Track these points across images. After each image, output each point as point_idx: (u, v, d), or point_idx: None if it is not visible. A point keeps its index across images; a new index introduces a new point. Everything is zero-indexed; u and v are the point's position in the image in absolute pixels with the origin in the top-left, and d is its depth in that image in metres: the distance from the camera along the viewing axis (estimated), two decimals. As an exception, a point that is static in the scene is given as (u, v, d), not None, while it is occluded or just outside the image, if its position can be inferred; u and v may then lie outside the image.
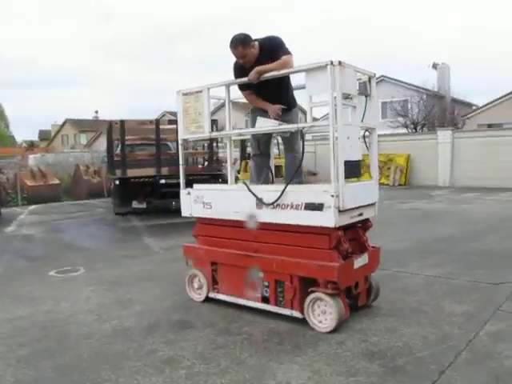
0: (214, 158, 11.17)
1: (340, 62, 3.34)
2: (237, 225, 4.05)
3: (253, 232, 3.97)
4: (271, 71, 3.80)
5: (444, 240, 7.15)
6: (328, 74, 3.31)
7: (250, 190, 3.86)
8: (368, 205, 3.90)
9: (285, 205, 3.65)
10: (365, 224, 4.04)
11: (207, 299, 4.36)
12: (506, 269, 5.33)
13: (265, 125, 3.97)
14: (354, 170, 3.62)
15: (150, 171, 9.97)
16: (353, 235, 3.89)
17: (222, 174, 11.04)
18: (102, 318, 4.08)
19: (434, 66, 31.14)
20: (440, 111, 27.00)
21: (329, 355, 3.17)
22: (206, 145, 12.01)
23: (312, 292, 3.65)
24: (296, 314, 3.74)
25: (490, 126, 27.05)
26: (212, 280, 4.34)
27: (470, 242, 6.95)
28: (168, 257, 6.62)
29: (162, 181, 9.72)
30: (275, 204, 3.70)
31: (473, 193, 14.51)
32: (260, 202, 3.79)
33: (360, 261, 3.81)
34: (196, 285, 4.48)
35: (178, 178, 4.21)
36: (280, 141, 4.65)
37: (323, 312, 3.62)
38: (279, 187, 3.73)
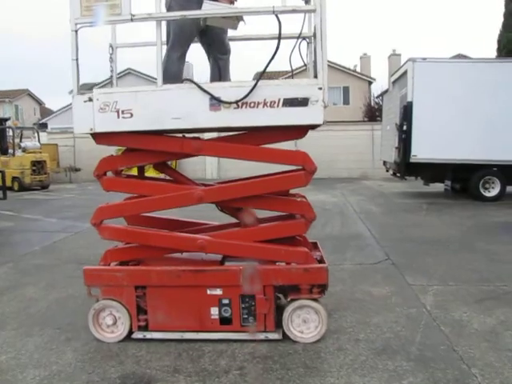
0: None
1: None
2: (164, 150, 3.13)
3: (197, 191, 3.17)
4: None
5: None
6: None
7: (202, 88, 2.92)
8: None
9: (255, 103, 2.89)
10: None
11: (126, 336, 3.19)
12: (364, 249, 6.01)
13: (217, 7, 3.06)
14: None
15: None
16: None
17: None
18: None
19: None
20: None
21: (349, 364, 2.81)
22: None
23: (293, 300, 3.14)
24: (272, 336, 3.14)
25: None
26: (137, 310, 3.20)
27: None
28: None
29: None
30: (241, 102, 2.90)
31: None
32: (218, 102, 2.91)
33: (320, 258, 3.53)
34: (109, 320, 3.20)
35: None
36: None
37: (304, 321, 3.17)
38: (240, 83, 2.97)
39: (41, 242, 6.84)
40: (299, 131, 3.09)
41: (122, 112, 2.96)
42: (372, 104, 27.56)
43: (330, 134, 17.89)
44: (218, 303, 3.14)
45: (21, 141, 16.69)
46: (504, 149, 9.88)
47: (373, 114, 26.92)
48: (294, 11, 2.88)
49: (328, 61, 2.98)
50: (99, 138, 3.11)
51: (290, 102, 2.88)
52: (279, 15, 2.84)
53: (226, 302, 3.14)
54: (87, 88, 22.55)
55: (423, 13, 73.91)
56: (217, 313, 3.15)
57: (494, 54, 17.65)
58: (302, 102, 2.87)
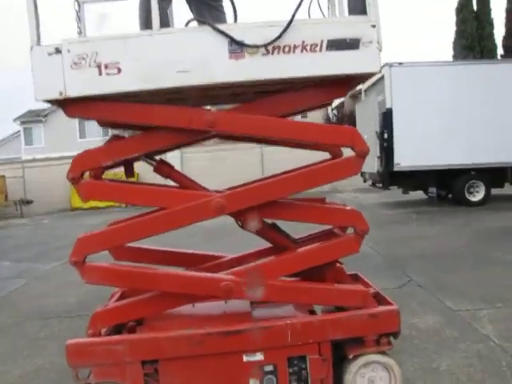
0: None
1: None
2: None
3: None
4: None
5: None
6: None
7: (217, 28, 2.13)
8: None
9: (290, 46, 2.16)
10: None
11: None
12: (378, 270, 5.34)
13: None
14: None
15: None
16: None
17: None
18: None
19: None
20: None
21: None
22: None
23: (356, 357, 2.36)
24: (334, 406, 2.35)
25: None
26: (145, 393, 2.31)
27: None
28: None
29: None
30: (272, 46, 2.13)
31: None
32: (240, 46, 2.13)
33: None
34: (106, 412, 2.29)
35: None
36: None
37: (372, 381, 2.40)
38: (268, 22, 2.17)
39: (-7, 292, 5.69)
40: (342, 86, 2.33)
41: (106, 67, 2.10)
42: (330, 116, 27.62)
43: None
44: (259, 372, 2.31)
45: (-39, 174, 15.05)
46: (486, 152, 9.68)
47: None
48: None
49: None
50: (72, 107, 2.21)
51: (337, 45, 2.16)
52: None
53: (269, 369, 2.31)
54: (35, 115, 20.97)
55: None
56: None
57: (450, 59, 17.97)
58: (352, 44, 2.17)
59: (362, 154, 2.29)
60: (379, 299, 2.62)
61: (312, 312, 2.68)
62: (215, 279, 2.36)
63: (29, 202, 17.33)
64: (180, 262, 2.88)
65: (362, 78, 2.35)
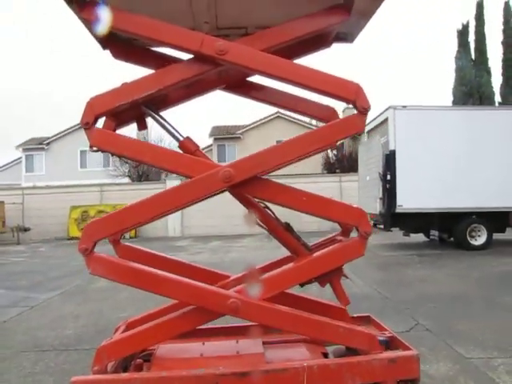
0: None
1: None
2: None
3: None
4: None
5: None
6: None
7: None
8: None
9: None
10: None
11: None
12: (383, 313, 5.21)
13: None
14: None
15: None
16: None
17: None
18: None
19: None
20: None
21: None
22: None
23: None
24: None
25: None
26: None
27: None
28: None
29: None
30: None
31: (217, 241, 14.94)
32: None
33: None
34: None
35: None
36: None
37: None
38: None
39: (-14, 322, 5.50)
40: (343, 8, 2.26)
41: None
42: (331, 156, 27.87)
43: (297, 187, 17.24)
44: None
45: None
46: (488, 196, 9.72)
47: (331, 166, 27.18)
48: None
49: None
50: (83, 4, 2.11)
51: None
52: None
53: (281, 415, 2.21)
54: (37, 142, 21.10)
55: (375, 67, 78.28)
56: None
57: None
58: None
59: (364, 111, 2.26)
60: (397, 344, 2.54)
61: (326, 355, 2.59)
62: (223, 295, 2.26)
63: (26, 230, 17.15)
64: (191, 277, 2.77)
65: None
